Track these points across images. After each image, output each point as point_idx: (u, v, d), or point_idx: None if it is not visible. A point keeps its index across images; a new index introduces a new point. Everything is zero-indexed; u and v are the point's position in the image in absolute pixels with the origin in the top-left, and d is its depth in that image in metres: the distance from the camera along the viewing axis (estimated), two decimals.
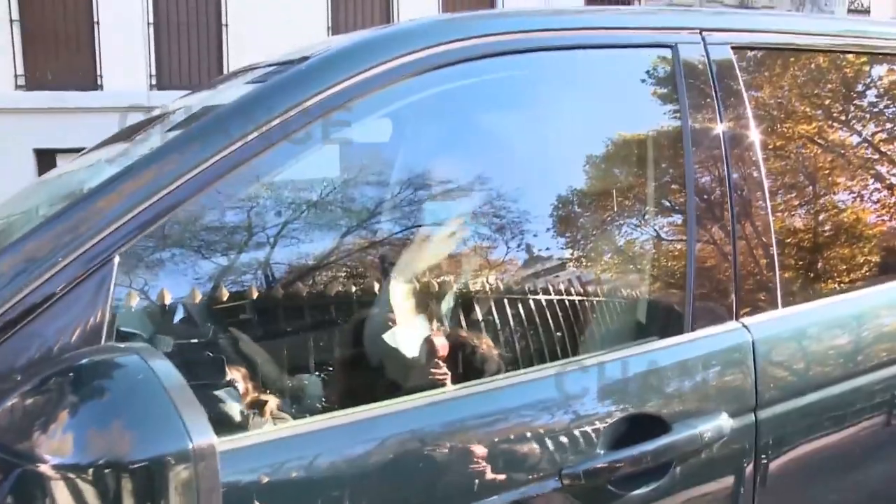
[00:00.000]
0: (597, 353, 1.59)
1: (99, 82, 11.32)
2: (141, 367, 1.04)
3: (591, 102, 1.80)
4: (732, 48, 1.84)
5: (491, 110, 1.76)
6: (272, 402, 1.62)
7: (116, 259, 1.29)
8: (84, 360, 1.08)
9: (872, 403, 1.79)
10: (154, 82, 11.54)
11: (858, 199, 2.05)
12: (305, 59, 1.56)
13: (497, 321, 1.77)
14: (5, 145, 10.44)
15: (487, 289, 1.79)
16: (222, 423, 1.39)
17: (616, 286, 1.80)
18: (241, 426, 1.45)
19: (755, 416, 1.63)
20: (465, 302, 1.83)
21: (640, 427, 1.52)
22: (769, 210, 1.76)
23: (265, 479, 1.22)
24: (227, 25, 11.77)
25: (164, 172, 1.34)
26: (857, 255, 2.00)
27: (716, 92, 1.77)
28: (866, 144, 2.14)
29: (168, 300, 1.57)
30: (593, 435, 1.48)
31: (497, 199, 1.75)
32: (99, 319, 1.25)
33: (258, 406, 1.60)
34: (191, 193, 1.35)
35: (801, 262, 1.88)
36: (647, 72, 1.80)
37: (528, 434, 1.44)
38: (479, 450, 1.39)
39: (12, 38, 11.07)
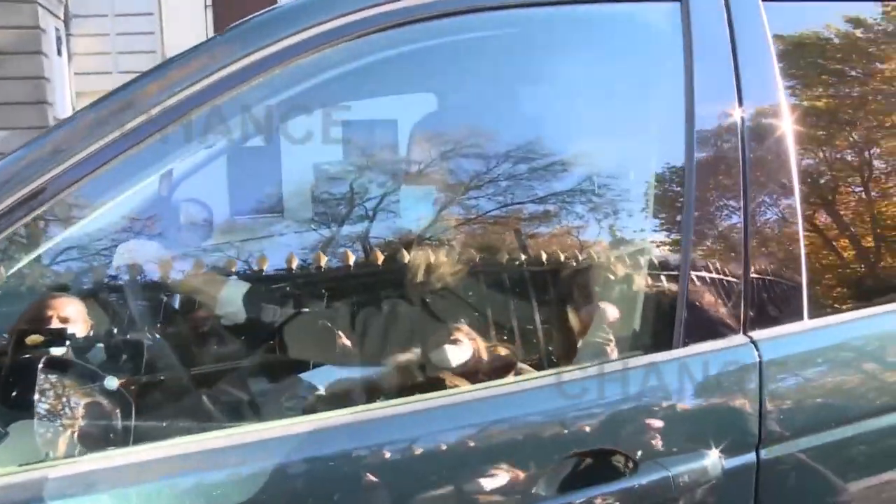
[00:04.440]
0: (552, 372, 1.27)
1: None
2: None
3: (566, 78, 1.44)
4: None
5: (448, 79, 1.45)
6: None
7: None
8: None
9: None
10: None
11: None
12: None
13: None
14: None
15: None
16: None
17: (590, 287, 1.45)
18: None
19: (757, 454, 1.25)
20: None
21: (598, 466, 1.20)
22: (797, 195, 1.34)
23: None
24: None
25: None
26: None
27: (736, 60, 1.36)
28: None
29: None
30: (535, 474, 1.17)
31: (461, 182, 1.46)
32: None
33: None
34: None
35: (840, 261, 1.44)
36: (644, 34, 1.42)
37: (443, 470, 1.15)
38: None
39: (206, 22, 11.69)
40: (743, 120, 1.33)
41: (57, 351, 1.45)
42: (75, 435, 1.23)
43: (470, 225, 1.66)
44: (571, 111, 1.54)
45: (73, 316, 1.63)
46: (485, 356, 1.41)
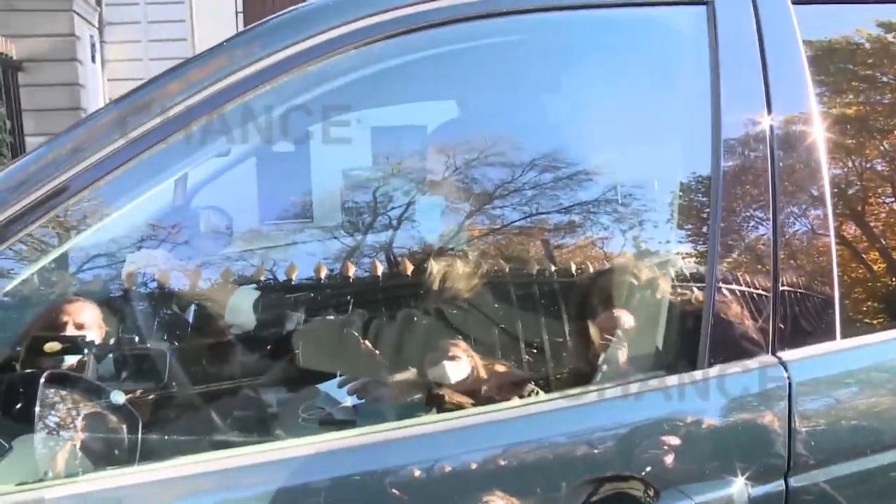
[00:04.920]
0: (567, 393, 1.20)
1: None
2: None
3: (589, 84, 1.38)
4: (794, 2, 1.33)
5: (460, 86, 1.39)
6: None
7: None
8: None
9: None
10: None
11: None
12: None
13: None
14: None
15: None
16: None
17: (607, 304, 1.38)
18: None
19: (786, 482, 1.17)
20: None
21: (616, 494, 1.13)
22: (829, 206, 1.26)
23: None
24: None
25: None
26: None
27: (765, 66, 1.28)
28: None
29: None
30: (547, 502, 1.10)
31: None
32: None
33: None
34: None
35: (875, 275, 1.36)
36: (669, 39, 1.35)
37: (448, 496, 1.09)
38: None
39: (237, 28, 11.80)
40: (772, 128, 1.26)
41: (74, 359, 1.41)
42: (77, 452, 1.18)
43: (491, 235, 1.60)
44: (594, 118, 1.48)
45: (89, 322, 1.58)
46: (483, 373, 1.35)
